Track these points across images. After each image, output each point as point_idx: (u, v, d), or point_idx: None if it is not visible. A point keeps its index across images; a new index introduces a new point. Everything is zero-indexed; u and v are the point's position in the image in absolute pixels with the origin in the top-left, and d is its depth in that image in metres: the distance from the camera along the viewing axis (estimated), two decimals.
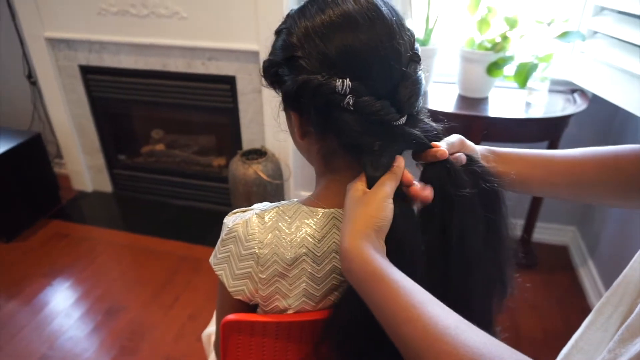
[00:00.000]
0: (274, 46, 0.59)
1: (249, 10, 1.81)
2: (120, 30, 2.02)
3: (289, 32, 0.55)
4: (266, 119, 2.07)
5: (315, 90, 0.51)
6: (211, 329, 0.93)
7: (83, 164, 2.52)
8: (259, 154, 2.09)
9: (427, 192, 0.55)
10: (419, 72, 0.56)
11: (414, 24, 1.76)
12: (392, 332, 0.45)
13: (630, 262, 0.57)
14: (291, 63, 0.54)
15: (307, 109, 0.54)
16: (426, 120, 0.59)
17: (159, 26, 1.97)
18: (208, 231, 2.24)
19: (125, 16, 1.98)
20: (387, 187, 0.53)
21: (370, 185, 0.55)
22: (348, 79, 0.51)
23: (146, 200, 2.52)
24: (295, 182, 2.20)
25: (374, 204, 0.52)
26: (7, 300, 1.85)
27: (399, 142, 0.56)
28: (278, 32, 0.58)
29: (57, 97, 2.30)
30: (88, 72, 2.23)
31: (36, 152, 2.31)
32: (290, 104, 0.57)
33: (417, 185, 0.55)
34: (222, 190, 2.36)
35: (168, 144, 2.53)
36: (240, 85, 2.04)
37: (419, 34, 1.70)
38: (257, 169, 1.97)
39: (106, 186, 2.59)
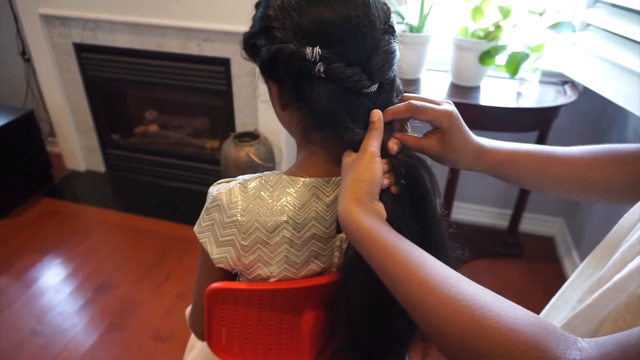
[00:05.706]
0: (253, 18, 0.60)
1: None
2: (115, 9, 2.01)
3: (267, 4, 0.57)
4: (260, 102, 2.07)
5: (287, 58, 0.53)
6: None
7: (76, 143, 2.51)
8: (252, 136, 2.10)
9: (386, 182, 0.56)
10: (393, 43, 0.58)
11: (409, 10, 1.77)
12: (392, 290, 0.48)
13: (615, 226, 0.58)
14: (267, 33, 0.56)
15: (283, 79, 0.56)
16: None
17: (154, 5, 1.96)
18: (199, 213, 2.25)
19: None
20: (370, 146, 0.55)
21: (357, 149, 0.57)
22: (318, 47, 0.53)
23: (139, 181, 2.53)
24: (287, 165, 2.21)
25: (360, 168, 0.53)
26: None
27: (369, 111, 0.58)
28: (257, 5, 0.60)
29: (50, 74, 2.29)
30: (82, 51, 2.22)
31: (29, 129, 2.30)
32: (267, 74, 0.59)
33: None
34: (215, 172, 2.37)
35: (162, 125, 2.53)
36: (235, 68, 2.04)
37: (413, 20, 1.71)
38: (249, 152, 1.98)
39: (99, 166, 2.59)
